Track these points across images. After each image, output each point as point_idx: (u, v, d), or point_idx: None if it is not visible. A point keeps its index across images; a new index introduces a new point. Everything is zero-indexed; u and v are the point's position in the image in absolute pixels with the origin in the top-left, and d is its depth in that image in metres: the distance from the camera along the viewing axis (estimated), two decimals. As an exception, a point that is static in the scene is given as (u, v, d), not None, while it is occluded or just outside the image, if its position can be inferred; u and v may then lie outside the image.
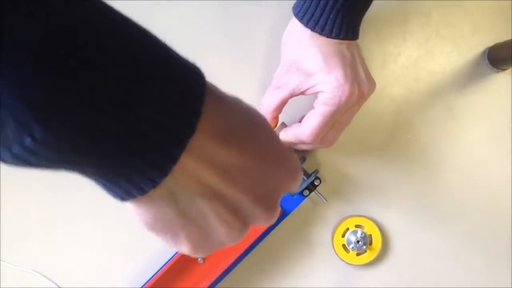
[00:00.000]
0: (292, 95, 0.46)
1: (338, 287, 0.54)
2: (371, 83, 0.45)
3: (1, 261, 0.52)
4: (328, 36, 0.43)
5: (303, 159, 0.50)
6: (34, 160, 0.18)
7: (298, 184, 0.27)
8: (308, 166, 0.52)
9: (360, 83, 0.44)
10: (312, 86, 0.44)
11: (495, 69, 0.56)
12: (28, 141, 0.17)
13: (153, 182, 0.21)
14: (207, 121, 0.21)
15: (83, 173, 0.21)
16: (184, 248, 0.26)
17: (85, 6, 0.18)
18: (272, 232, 0.50)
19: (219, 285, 0.50)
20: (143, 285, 0.49)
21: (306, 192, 0.50)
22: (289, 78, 0.45)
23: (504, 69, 0.56)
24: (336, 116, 0.44)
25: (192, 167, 0.22)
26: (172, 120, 0.20)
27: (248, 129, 0.24)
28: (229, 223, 0.25)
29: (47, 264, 0.52)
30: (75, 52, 0.17)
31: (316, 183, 0.50)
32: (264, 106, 0.47)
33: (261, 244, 0.50)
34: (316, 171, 0.51)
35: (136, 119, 0.19)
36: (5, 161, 0.18)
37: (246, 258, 0.50)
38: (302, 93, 0.45)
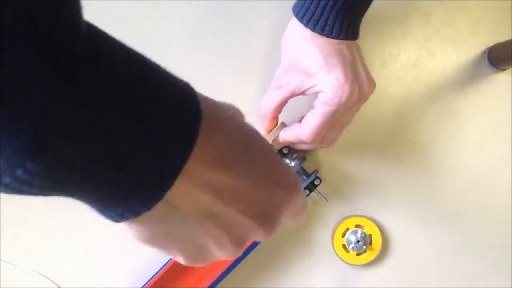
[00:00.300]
0: (292, 95, 0.46)
1: (338, 287, 0.54)
2: (371, 83, 0.45)
3: (1, 261, 0.52)
4: (328, 36, 0.43)
5: (303, 159, 0.50)
6: (26, 189, 0.18)
7: (299, 202, 0.27)
8: (308, 166, 0.52)
9: (360, 83, 0.44)
10: (312, 86, 0.44)
11: (495, 69, 0.56)
12: (20, 172, 0.17)
13: (147, 206, 0.21)
14: (202, 146, 0.21)
15: (76, 198, 0.21)
16: (180, 260, 0.26)
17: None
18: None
19: (219, 285, 0.50)
20: (144, 285, 0.49)
21: (306, 191, 0.50)
22: (289, 78, 0.45)
23: (504, 69, 0.56)
24: (336, 116, 0.44)
25: (186, 190, 0.22)
26: (167, 146, 0.20)
27: (243, 150, 0.24)
28: (222, 241, 0.25)
29: (47, 264, 0.52)
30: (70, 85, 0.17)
31: (316, 183, 0.50)
32: (264, 106, 0.47)
33: (261, 244, 0.50)
34: (316, 171, 0.51)
35: (131, 146, 0.19)
36: None
37: (246, 258, 0.50)
38: (303, 93, 0.45)
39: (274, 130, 0.49)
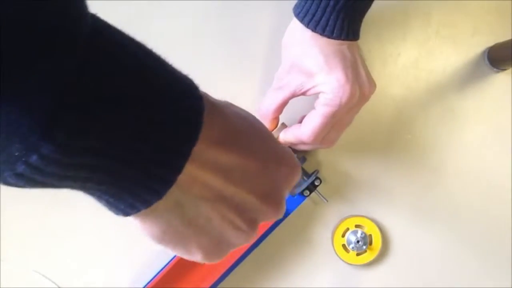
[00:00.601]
0: (293, 96, 0.46)
1: (338, 287, 0.54)
2: (372, 84, 0.45)
3: (1, 261, 0.52)
4: (329, 37, 0.43)
5: (303, 159, 0.50)
6: (39, 178, 0.18)
7: (298, 179, 0.28)
8: (309, 166, 0.52)
9: (361, 84, 0.44)
10: (313, 87, 0.44)
11: (495, 69, 0.56)
12: (34, 158, 0.17)
13: (158, 193, 0.21)
14: (207, 129, 0.22)
15: (85, 189, 0.21)
16: (197, 257, 0.26)
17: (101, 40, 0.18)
18: (273, 232, 0.50)
19: (220, 285, 0.50)
20: (145, 285, 0.49)
21: (307, 192, 0.50)
22: (290, 79, 0.45)
23: (504, 69, 0.56)
24: (337, 116, 0.44)
25: (196, 173, 0.22)
26: (175, 133, 0.20)
27: (245, 131, 0.25)
28: (235, 223, 0.25)
29: (47, 264, 0.52)
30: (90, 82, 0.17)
31: (316, 183, 0.50)
32: (265, 106, 0.47)
33: (261, 244, 0.50)
34: (317, 171, 0.51)
35: (141, 135, 0.19)
36: (7, 182, 0.18)
37: (247, 258, 0.50)
38: (303, 93, 0.45)
39: (274, 131, 0.49)
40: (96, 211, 0.52)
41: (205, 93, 0.23)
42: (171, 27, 0.54)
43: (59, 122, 0.17)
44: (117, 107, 0.18)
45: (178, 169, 0.21)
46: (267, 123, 0.49)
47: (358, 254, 0.53)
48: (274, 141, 0.27)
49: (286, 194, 0.28)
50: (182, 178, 0.21)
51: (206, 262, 0.27)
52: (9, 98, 0.16)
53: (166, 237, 0.24)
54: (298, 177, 0.28)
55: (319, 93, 0.44)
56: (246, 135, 0.24)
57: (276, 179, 0.26)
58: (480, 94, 0.56)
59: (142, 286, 0.50)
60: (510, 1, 0.56)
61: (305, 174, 0.51)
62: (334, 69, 0.43)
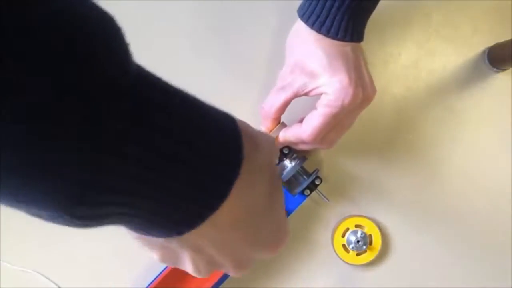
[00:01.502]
0: (295, 96, 0.46)
1: (338, 287, 0.54)
2: (374, 88, 0.45)
3: (1, 261, 0.52)
4: (333, 38, 0.43)
5: (303, 159, 0.50)
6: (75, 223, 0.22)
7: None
8: (309, 165, 0.52)
9: (364, 87, 0.44)
10: (316, 88, 0.44)
11: (495, 69, 0.56)
12: (64, 217, 0.20)
13: (169, 236, 0.24)
14: (229, 204, 0.23)
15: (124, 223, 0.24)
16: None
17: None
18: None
19: (224, 284, 0.50)
20: (148, 285, 0.49)
21: (307, 191, 0.50)
22: (293, 79, 0.45)
23: (504, 69, 0.56)
24: (338, 118, 0.44)
25: (196, 239, 0.24)
26: (203, 193, 0.22)
27: (259, 214, 0.26)
28: (200, 271, 0.28)
29: (47, 264, 0.52)
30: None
31: (317, 183, 0.50)
32: (268, 106, 0.47)
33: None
34: (317, 170, 0.51)
35: (175, 188, 0.21)
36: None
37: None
38: (306, 94, 0.45)
39: (274, 129, 0.49)
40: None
41: (249, 135, 0.24)
42: (173, 26, 0.54)
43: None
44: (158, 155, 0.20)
45: (189, 228, 0.23)
46: (268, 122, 0.49)
47: (358, 254, 0.53)
48: (280, 223, 0.29)
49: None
50: (186, 237, 0.24)
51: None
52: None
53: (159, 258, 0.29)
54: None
55: (321, 94, 0.44)
56: (258, 219, 0.26)
57: (257, 256, 0.29)
58: (480, 94, 0.56)
59: (145, 286, 0.50)
60: (510, 1, 0.56)
61: (306, 173, 0.51)
62: (337, 71, 0.43)
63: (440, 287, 0.55)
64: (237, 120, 0.25)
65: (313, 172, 0.51)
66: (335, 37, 0.43)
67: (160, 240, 0.25)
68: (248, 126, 0.25)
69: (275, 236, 0.29)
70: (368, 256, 0.53)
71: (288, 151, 0.50)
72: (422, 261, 0.55)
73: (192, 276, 0.49)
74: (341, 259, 0.53)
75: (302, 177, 0.50)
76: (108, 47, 0.18)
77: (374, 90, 0.45)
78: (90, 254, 0.53)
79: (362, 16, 0.44)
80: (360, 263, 0.53)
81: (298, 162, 0.50)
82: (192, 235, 0.23)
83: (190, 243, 0.25)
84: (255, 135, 0.25)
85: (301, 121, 0.46)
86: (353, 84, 0.42)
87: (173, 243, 0.25)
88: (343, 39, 0.43)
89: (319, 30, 0.43)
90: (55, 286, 0.52)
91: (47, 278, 0.52)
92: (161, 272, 0.49)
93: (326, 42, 0.43)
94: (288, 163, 0.50)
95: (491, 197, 0.56)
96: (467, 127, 0.56)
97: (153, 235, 0.24)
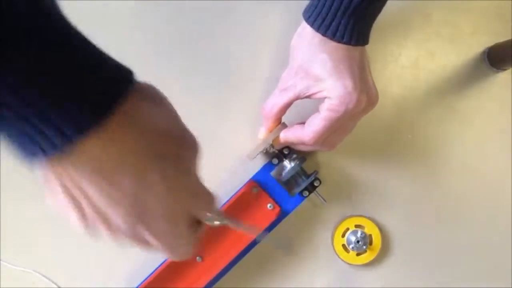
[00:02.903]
0: (297, 98, 0.46)
1: (338, 287, 0.54)
2: (377, 92, 0.45)
3: (1, 261, 0.52)
4: (339, 42, 0.43)
5: (303, 160, 0.50)
6: None
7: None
8: (308, 166, 0.52)
9: (368, 91, 0.44)
10: (319, 91, 0.44)
11: (495, 69, 0.56)
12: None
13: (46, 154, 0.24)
14: (94, 139, 0.24)
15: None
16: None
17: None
18: (273, 232, 0.50)
19: (217, 284, 0.50)
20: (140, 284, 0.49)
21: (306, 193, 0.50)
22: (296, 81, 0.45)
23: (504, 69, 0.56)
24: (341, 122, 0.44)
25: (72, 167, 0.25)
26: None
27: (126, 173, 0.26)
28: (85, 219, 0.28)
29: (47, 264, 0.53)
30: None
31: (315, 184, 0.50)
32: (269, 107, 0.47)
33: (260, 244, 0.50)
34: (316, 172, 0.51)
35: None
36: None
37: (245, 257, 0.50)
38: (308, 97, 0.45)
39: (275, 130, 0.49)
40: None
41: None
42: (176, 26, 0.54)
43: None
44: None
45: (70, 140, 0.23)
46: (269, 122, 0.49)
47: (358, 254, 0.53)
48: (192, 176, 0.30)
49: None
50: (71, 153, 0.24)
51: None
52: None
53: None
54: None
55: (324, 98, 0.44)
56: (120, 178, 0.26)
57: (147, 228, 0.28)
58: (480, 94, 0.56)
59: (137, 284, 0.50)
60: (510, 1, 0.56)
61: (304, 174, 0.51)
62: (342, 76, 0.42)
63: (440, 287, 0.55)
64: (144, 82, 0.27)
65: (312, 173, 0.51)
66: (340, 40, 0.42)
67: (44, 165, 0.25)
68: (164, 98, 0.28)
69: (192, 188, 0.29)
70: (368, 256, 0.53)
71: (288, 151, 0.50)
72: (422, 261, 0.55)
73: (186, 273, 0.49)
74: (341, 259, 0.53)
75: (301, 178, 0.50)
76: None
77: (377, 95, 0.45)
78: (90, 254, 0.53)
79: (368, 19, 0.44)
80: (360, 263, 0.53)
81: (297, 163, 0.50)
82: (66, 161, 0.24)
83: (68, 172, 0.25)
84: (162, 106, 0.28)
85: (303, 122, 0.46)
86: (357, 89, 0.42)
87: (54, 168, 0.25)
88: (348, 42, 0.43)
89: (324, 33, 0.43)
90: (55, 286, 0.52)
91: (47, 278, 0.52)
92: (155, 270, 0.49)
93: (331, 46, 0.43)
94: (288, 164, 0.50)
95: (492, 197, 0.56)
96: (467, 127, 0.56)
97: (32, 152, 0.24)
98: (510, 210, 0.56)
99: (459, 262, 0.55)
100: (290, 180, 0.51)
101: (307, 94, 0.45)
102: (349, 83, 0.42)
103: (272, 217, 0.49)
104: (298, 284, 0.54)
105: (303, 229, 0.54)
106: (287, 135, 0.48)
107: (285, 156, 0.50)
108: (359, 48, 0.44)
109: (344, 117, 0.43)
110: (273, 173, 0.51)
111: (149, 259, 0.52)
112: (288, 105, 0.47)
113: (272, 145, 0.50)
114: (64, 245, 0.53)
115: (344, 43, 0.42)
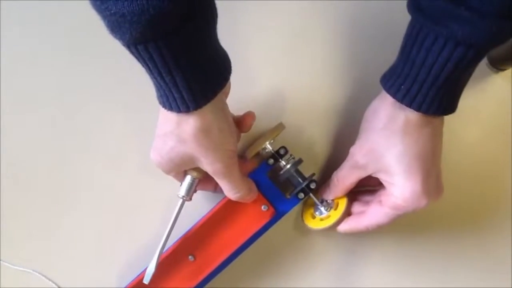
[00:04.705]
0: (368, 177, 0.46)
1: (334, 286, 0.54)
2: (442, 187, 0.45)
3: (1, 261, 0.53)
4: (424, 113, 0.41)
5: (299, 161, 0.50)
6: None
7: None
8: (306, 168, 0.51)
9: (433, 192, 0.43)
10: (388, 183, 0.44)
11: (495, 69, 0.55)
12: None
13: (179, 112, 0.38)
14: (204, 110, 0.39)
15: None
16: None
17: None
18: (266, 232, 0.50)
19: (210, 284, 0.50)
20: (130, 281, 0.49)
21: (301, 195, 0.50)
22: (368, 163, 0.45)
23: (504, 69, 0.55)
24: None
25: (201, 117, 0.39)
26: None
27: (223, 135, 0.41)
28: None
29: (47, 264, 0.53)
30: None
31: (312, 186, 0.50)
32: (340, 179, 0.48)
33: (255, 244, 0.50)
34: (313, 174, 0.51)
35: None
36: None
37: (238, 257, 0.50)
38: (376, 181, 0.46)
39: (274, 130, 0.49)
40: (96, 211, 0.53)
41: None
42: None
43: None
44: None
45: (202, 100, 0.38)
46: (337, 192, 0.49)
47: (322, 219, 0.50)
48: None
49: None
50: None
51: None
52: None
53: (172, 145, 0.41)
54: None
55: (391, 190, 0.43)
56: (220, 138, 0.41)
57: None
58: (480, 94, 0.56)
59: (128, 283, 0.50)
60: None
61: (301, 176, 0.50)
62: (413, 178, 0.42)
63: (440, 286, 0.55)
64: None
65: (309, 176, 0.50)
66: (425, 112, 0.40)
67: (173, 116, 0.38)
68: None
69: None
70: (332, 218, 0.49)
71: (284, 152, 0.50)
72: (421, 261, 0.55)
73: (179, 272, 0.48)
74: (309, 226, 0.51)
75: (297, 180, 0.50)
76: None
77: (442, 191, 0.44)
78: (90, 254, 0.53)
79: (458, 89, 0.41)
80: (324, 226, 0.49)
81: (294, 163, 0.49)
82: (195, 115, 0.38)
83: (198, 123, 0.38)
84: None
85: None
86: (426, 193, 0.42)
87: (183, 119, 0.38)
88: (435, 114, 0.41)
89: (409, 105, 0.40)
90: (55, 286, 0.53)
91: (47, 278, 0.53)
92: (143, 270, 0.48)
93: (411, 135, 0.41)
94: (284, 165, 0.50)
95: (491, 197, 0.56)
96: (467, 127, 0.56)
97: (168, 108, 0.38)
98: (510, 210, 0.55)
99: (459, 262, 0.55)
100: (286, 181, 0.50)
101: (375, 176, 0.45)
102: (418, 188, 0.42)
103: (266, 219, 0.49)
104: (293, 284, 0.54)
105: (298, 230, 0.54)
106: (344, 228, 0.48)
107: (281, 157, 0.50)
108: (438, 122, 0.43)
109: (405, 213, 0.43)
110: (268, 173, 0.50)
111: (141, 258, 0.52)
112: (357, 181, 0.47)
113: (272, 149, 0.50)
114: (64, 245, 0.53)
115: (429, 115, 0.41)
